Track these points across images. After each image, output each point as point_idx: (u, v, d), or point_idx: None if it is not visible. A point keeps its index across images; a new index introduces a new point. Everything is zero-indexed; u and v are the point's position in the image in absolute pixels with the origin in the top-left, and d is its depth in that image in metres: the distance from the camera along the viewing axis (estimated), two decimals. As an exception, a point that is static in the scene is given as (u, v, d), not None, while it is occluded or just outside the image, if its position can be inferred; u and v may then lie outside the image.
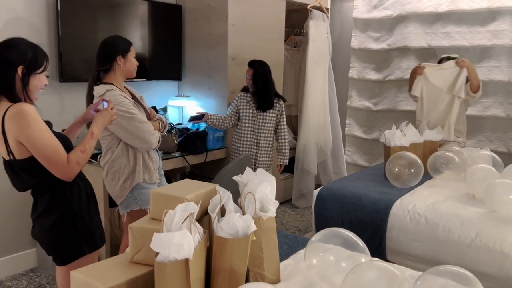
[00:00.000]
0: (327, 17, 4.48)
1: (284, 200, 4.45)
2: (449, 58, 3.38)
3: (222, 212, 1.39)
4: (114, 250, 2.83)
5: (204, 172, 3.48)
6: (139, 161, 2.23)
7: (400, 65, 4.31)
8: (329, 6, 4.60)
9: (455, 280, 1.24)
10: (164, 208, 1.24)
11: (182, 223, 1.20)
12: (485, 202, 2.34)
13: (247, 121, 3.30)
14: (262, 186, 1.42)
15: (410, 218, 2.38)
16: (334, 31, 4.85)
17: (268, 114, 3.31)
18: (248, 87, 3.31)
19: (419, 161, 2.70)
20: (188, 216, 1.20)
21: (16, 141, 1.57)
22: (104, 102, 1.94)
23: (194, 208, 1.24)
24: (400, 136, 2.94)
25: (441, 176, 2.85)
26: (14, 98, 1.59)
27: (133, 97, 2.31)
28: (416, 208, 2.41)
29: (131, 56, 2.24)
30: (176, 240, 1.11)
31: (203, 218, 1.46)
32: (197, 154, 3.27)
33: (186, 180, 1.55)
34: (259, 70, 3.24)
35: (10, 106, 1.56)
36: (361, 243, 1.45)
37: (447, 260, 2.20)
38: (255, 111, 3.29)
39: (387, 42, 4.37)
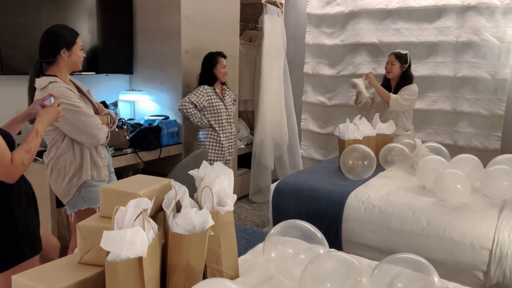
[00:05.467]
0: (282, 12, 4.48)
1: (242, 196, 4.42)
2: (398, 54, 3.41)
3: (178, 208, 1.33)
4: (63, 252, 2.66)
5: (158, 169, 3.38)
6: (86, 157, 2.11)
7: (353, 60, 4.40)
8: (283, 1, 4.60)
9: (411, 267, 1.27)
10: (115, 205, 1.16)
11: (134, 220, 1.13)
12: (435, 192, 2.42)
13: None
14: (219, 180, 1.39)
15: (364, 209, 2.43)
16: (289, 26, 4.87)
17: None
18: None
19: (372, 153, 2.76)
20: (141, 213, 1.14)
21: None
22: (51, 97, 1.83)
23: (148, 204, 1.17)
24: (354, 130, 3.00)
25: (392, 168, 2.94)
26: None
27: (79, 90, 2.18)
28: (370, 199, 2.46)
29: (77, 49, 2.10)
30: (129, 238, 1.04)
31: (158, 214, 1.40)
32: (151, 150, 3.17)
33: (139, 176, 1.48)
34: None
35: None
36: (319, 234, 1.45)
37: (399, 248, 2.26)
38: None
39: (340, 38, 4.45)
